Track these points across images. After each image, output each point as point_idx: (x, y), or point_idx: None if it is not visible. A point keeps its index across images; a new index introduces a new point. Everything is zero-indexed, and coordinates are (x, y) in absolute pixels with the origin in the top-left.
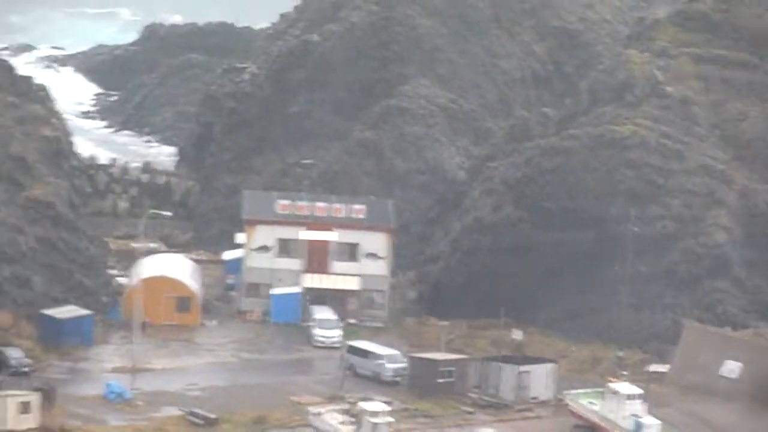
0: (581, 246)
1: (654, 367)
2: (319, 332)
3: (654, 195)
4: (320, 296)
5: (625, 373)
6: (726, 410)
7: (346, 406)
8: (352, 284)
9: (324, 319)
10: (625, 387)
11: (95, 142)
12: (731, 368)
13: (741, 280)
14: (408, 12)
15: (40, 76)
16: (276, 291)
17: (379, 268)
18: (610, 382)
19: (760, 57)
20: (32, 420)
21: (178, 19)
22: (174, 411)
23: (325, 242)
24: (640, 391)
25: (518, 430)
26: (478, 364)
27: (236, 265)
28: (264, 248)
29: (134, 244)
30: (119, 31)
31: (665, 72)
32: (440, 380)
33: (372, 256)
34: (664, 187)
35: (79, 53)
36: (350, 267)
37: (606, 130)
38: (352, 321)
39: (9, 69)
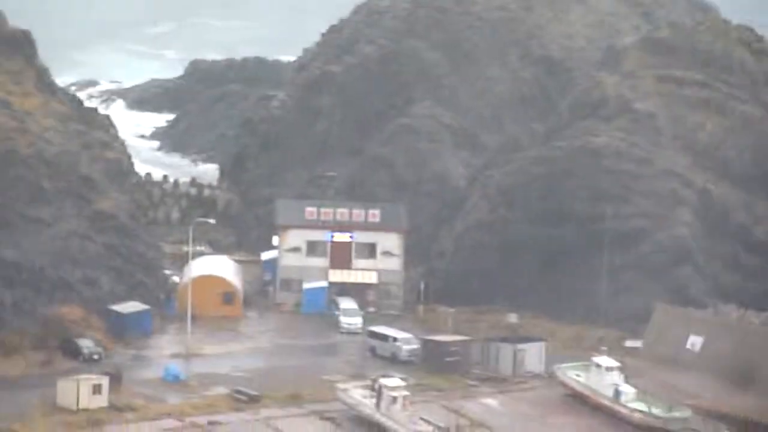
0: (566, 241)
1: (630, 343)
2: (343, 320)
3: (626, 196)
4: (344, 289)
5: (605, 348)
6: (690, 378)
7: (368, 383)
8: (371, 278)
9: (347, 309)
10: (605, 360)
11: (150, 163)
12: (694, 342)
13: (701, 267)
14: (414, 45)
15: (102, 106)
16: (306, 285)
17: (394, 264)
18: (593, 356)
19: (712, 77)
20: (103, 400)
21: (216, 56)
22: (222, 390)
23: (347, 243)
24: (618, 363)
25: (515, 400)
26: (480, 344)
27: (272, 264)
28: (295, 249)
29: (185, 248)
30: (166, 67)
31: (633, 91)
32: (448, 359)
33: (387, 254)
34: (635, 189)
35: (134, 86)
36: (369, 263)
37: (584, 142)
38: (371, 310)
39: (78, 101)
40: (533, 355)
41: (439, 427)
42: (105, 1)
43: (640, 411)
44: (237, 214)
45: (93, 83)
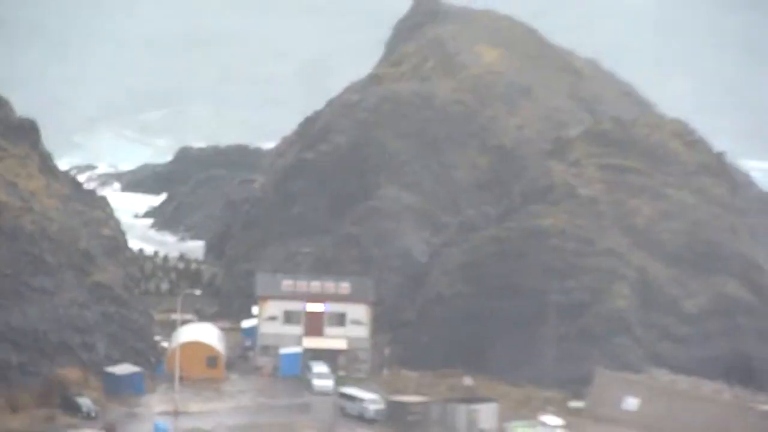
0: (517, 312)
1: (573, 404)
2: (316, 382)
3: (571, 272)
4: (316, 354)
5: (551, 408)
6: None
7: None
8: (341, 345)
9: (320, 372)
10: (551, 419)
11: (143, 239)
12: (631, 403)
13: (637, 336)
14: (381, 135)
15: (100, 188)
16: (283, 351)
17: (362, 332)
18: (540, 416)
19: (649, 166)
20: None
21: (202, 143)
22: None
23: (319, 313)
24: (562, 422)
25: None
26: (439, 404)
27: (252, 331)
28: (273, 318)
29: (173, 316)
30: (158, 153)
31: (577, 178)
32: (410, 417)
33: (356, 322)
34: (578, 266)
35: (129, 171)
36: (339, 331)
37: (533, 223)
38: (341, 373)
39: (77, 184)
40: (486, 415)
41: None
42: (102, 89)
43: None
44: (220, 285)
45: (91, 167)
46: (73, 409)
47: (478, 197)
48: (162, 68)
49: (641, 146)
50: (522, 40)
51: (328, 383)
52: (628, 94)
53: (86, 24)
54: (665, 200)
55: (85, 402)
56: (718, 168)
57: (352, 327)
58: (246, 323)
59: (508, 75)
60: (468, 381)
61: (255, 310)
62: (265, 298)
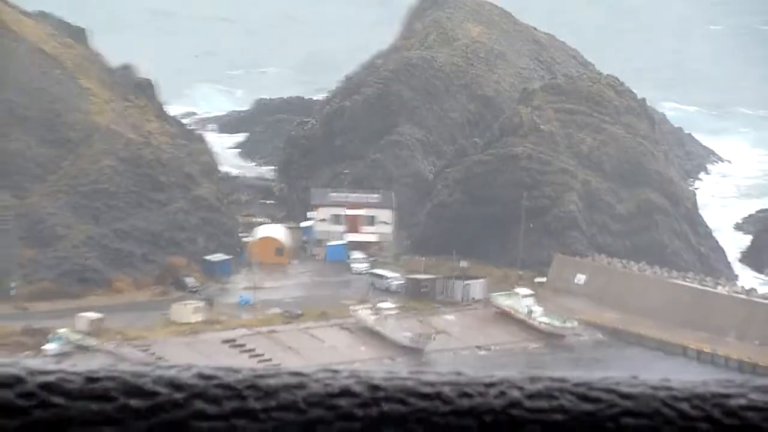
0: (497, 214)
1: (538, 280)
2: (355, 265)
3: (536, 185)
4: (355, 245)
5: (522, 283)
6: (577, 302)
7: (371, 305)
8: (373, 238)
9: (357, 258)
10: (522, 290)
11: (230, 165)
12: (580, 278)
13: (584, 231)
14: (397, 88)
15: (199, 129)
16: (330, 243)
17: (387, 229)
18: (515, 288)
19: (590, 108)
20: (201, 317)
21: (272, 96)
22: (277, 310)
23: (357, 215)
24: (530, 292)
25: (465, 316)
26: (442, 280)
27: (309, 229)
28: (323, 220)
29: (253, 219)
30: (239, 103)
31: (539, 118)
32: (422, 290)
33: (383, 222)
34: (541, 180)
35: (220, 115)
36: (371, 229)
37: (508, 150)
38: (372, 259)
39: (183, 125)
40: (476, 288)
41: (415, 333)
42: (202, 55)
43: (545, 323)
44: (286, 197)
45: (193, 114)
46: (181, 286)
47: (468, 132)
48: (243, 40)
49: (585, 94)
50: (498, 19)
51: (363, 266)
52: (575, 57)
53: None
54: (603, 133)
55: (190, 281)
56: (640, 109)
57: (380, 226)
58: (304, 224)
59: (489, 44)
60: (463, 264)
61: (311, 214)
62: (317, 206)
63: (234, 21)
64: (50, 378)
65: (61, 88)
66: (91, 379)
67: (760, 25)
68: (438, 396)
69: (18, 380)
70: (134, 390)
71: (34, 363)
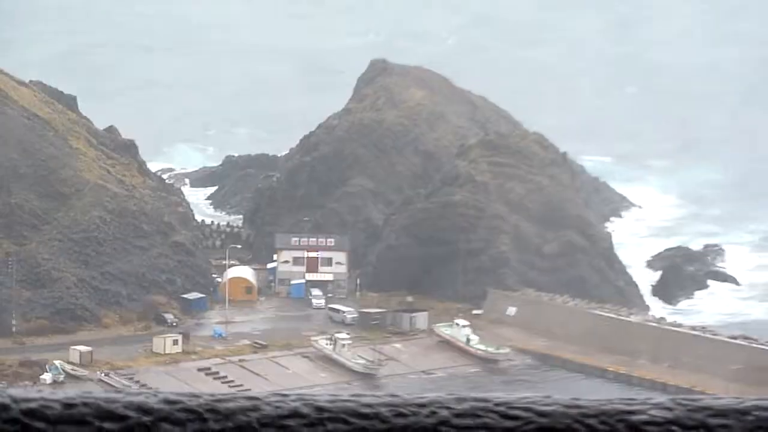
0: (439, 254)
1: (475, 312)
2: (314, 301)
3: (472, 229)
4: (315, 284)
5: (461, 315)
6: (509, 331)
7: (329, 336)
8: (330, 277)
9: (317, 295)
10: (461, 321)
11: (204, 215)
12: (511, 310)
13: (514, 268)
14: (351, 146)
15: (176, 183)
16: (293, 282)
17: (342, 269)
18: (455, 319)
19: (518, 161)
20: (179, 348)
21: (240, 152)
22: (246, 341)
23: (315, 257)
24: (468, 323)
25: (411, 344)
26: (391, 313)
27: (273, 270)
28: (287, 262)
29: (224, 262)
30: (210, 159)
31: (474, 170)
32: (373, 322)
33: (339, 263)
34: (476, 225)
35: (193, 171)
36: (328, 269)
37: (448, 199)
38: (330, 295)
39: (162, 180)
40: (421, 320)
41: (368, 360)
42: (181, 117)
43: (481, 350)
44: (253, 242)
45: (170, 169)
46: (161, 321)
47: (413, 183)
48: (216, 104)
49: (514, 149)
50: (438, 84)
51: (321, 302)
52: (505, 117)
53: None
54: (530, 182)
55: (169, 317)
56: (562, 161)
57: (336, 266)
58: (270, 265)
59: (430, 106)
60: (409, 298)
61: (275, 257)
62: (281, 249)
63: (207, 88)
64: (32, 405)
65: (54, 148)
66: (68, 405)
67: (670, 86)
68: (376, 416)
69: (3, 407)
70: (107, 414)
71: (17, 391)
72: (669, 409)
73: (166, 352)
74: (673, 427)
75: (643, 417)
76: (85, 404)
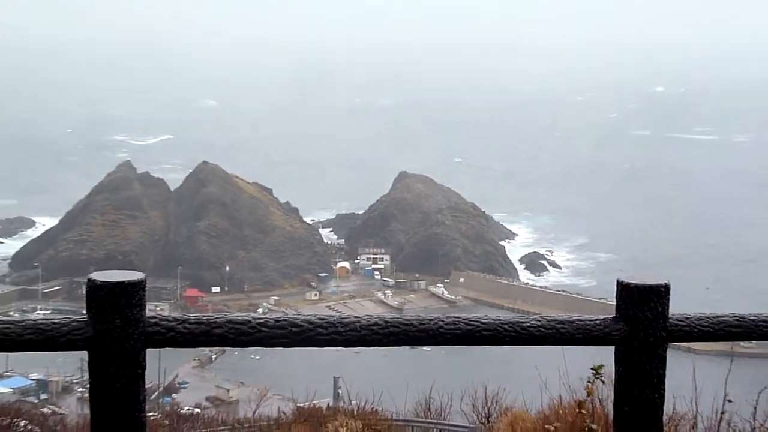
0: (428, 257)
1: (446, 281)
2: (375, 276)
3: (442, 245)
4: (376, 268)
5: (439, 283)
6: (460, 289)
7: (381, 291)
8: (382, 265)
9: (376, 273)
10: (440, 285)
11: (328, 239)
12: (461, 281)
13: (463, 262)
14: (391, 211)
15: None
16: (367, 267)
17: (387, 262)
18: (437, 284)
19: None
20: (317, 298)
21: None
22: (346, 294)
23: (375, 256)
24: (441, 286)
25: (418, 296)
26: (408, 281)
27: (358, 263)
28: (365, 259)
29: (336, 260)
30: (330, 214)
31: (445, 220)
32: (401, 286)
33: (385, 260)
34: (445, 244)
35: (324, 221)
36: (381, 262)
37: (434, 232)
38: (380, 274)
39: (305, 221)
40: (422, 284)
41: (399, 302)
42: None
43: (448, 298)
44: (349, 250)
45: (313, 220)
46: (309, 286)
47: (419, 227)
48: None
49: (473, 214)
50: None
51: (378, 276)
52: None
53: None
54: (467, 225)
55: (312, 283)
56: (483, 215)
57: (384, 261)
58: (357, 260)
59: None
60: (417, 275)
61: (358, 257)
62: (361, 253)
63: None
64: (274, 316)
65: (262, 211)
66: (277, 321)
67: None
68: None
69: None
70: (289, 323)
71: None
72: (538, 321)
73: (311, 299)
74: (542, 329)
75: (528, 323)
76: (276, 320)
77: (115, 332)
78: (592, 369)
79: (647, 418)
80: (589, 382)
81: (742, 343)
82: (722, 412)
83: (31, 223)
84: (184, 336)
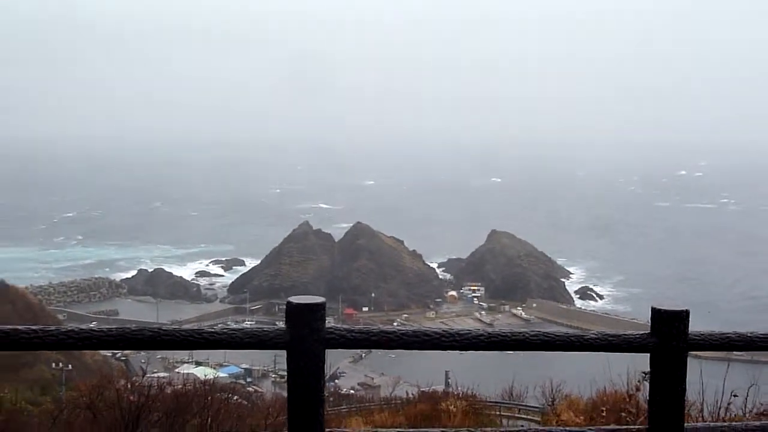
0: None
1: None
2: (474, 300)
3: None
4: (474, 295)
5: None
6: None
7: (477, 311)
8: (478, 294)
9: (474, 298)
10: (520, 308)
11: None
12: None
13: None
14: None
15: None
16: (468, 294)
17: (482, 291)
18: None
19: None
20: (434, 316)
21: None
22: (451, 314)
23: (475, 287)
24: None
25: (504, 316)
26: (500, 304)
27: (462, 292)
28: (468, 289)
29: (446, 289)
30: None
31: None
32: (492, 306)
33: (479, 289)
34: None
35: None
36: (477, 291)
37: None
38: (477, 298)
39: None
40: (509, 307)
41: (491, 319)
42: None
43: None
44: (455, 283)
45: (429, 261)
46: (427, 308)
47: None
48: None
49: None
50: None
51: (476, 300)
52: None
53: None
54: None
55: (431, 306)
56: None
57: (479, 290)
58: (462, 290)
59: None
60: (502, 301)
61: (463, 287)
62: (463, 285)
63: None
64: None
65: (394, 256)
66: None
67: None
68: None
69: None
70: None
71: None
72: (595, 335)
73: (430, 317)
74: (598, 340)
75: (588, 336)
76: (414, 332)
77: (305, 337)
78: (642, 372)
79: (673, 404)
80: (638, 381)
81: (735, 353)
82: (729, 402)
83: (243, 263)
84: (351, 341)
